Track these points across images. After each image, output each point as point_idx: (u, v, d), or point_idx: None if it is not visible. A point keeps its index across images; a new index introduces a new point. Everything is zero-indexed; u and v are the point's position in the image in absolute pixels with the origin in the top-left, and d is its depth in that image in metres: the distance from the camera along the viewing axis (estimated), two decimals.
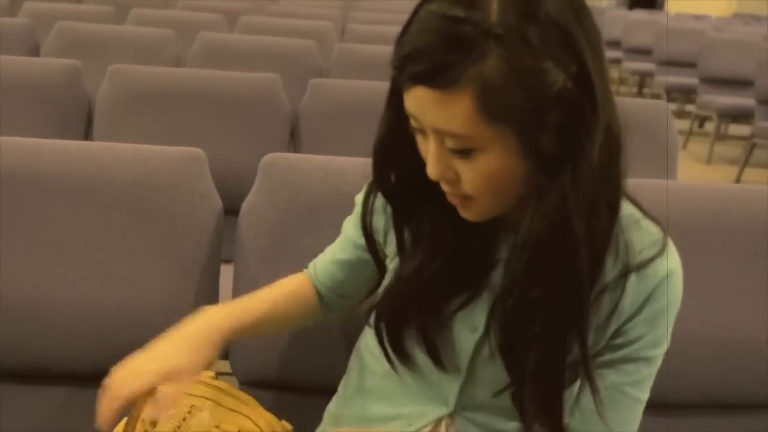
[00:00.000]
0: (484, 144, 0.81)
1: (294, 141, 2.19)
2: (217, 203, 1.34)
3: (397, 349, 1.01)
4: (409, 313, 0.98)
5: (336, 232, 1.18)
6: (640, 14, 8.67)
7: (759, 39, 6.15)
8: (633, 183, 0.93)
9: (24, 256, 1.28)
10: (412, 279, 0.96)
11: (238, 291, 1.32)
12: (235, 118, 2.12)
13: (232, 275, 1.35)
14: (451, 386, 1.00)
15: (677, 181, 1.89)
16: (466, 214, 0.90)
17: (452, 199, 0.89)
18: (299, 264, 1.23)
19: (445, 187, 0.88)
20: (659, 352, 0.94)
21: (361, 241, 1.07)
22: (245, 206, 1.33)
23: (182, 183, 1.32)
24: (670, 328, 0.94)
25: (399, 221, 0.99)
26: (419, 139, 0.88)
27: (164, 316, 1.29)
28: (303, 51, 3.10)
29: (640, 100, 2.26)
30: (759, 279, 1.34)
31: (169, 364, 0.92)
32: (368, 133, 2.23)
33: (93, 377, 1.23)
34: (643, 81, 8.35)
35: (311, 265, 1.17)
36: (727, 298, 1.34)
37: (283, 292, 1.13)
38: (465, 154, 0.82)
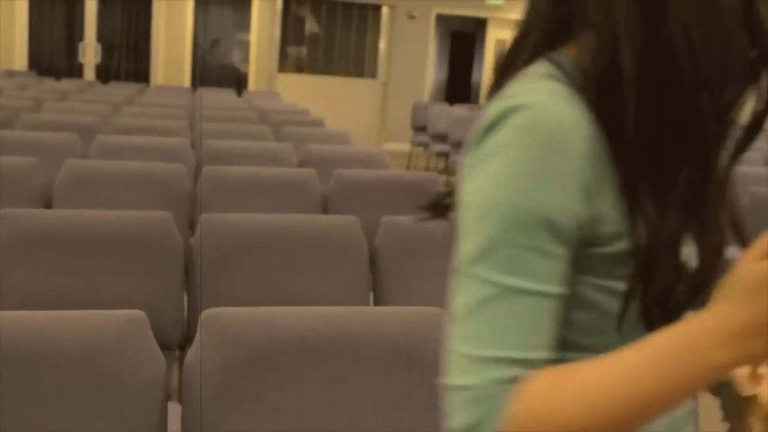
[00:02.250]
0: None
1: (188, 279, 2.28)
2: (161, 361, 1.45)
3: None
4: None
5: (277, 377, 1.34)
6: (461, 110, 9.34)
7: None
8: None
9: None
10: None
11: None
12: (129, 259, 2.21)
13: (180, 413, 1.45)
14: None
15: None
16: None
17: None
18: (246, 408, 1.38)
19: None
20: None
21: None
22: (189, 358, 1.44)
23: (127, 346, 1.42)
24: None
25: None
26: None
27: None
28: (170, 175, 3.21)
29: None
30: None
31: None
32: (261, 268, 2.35)
33: None
34: None
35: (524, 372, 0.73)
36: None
37: None
38: None
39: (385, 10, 12.03)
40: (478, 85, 13.44)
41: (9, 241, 2.16)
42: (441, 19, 12.95)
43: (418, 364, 1.50)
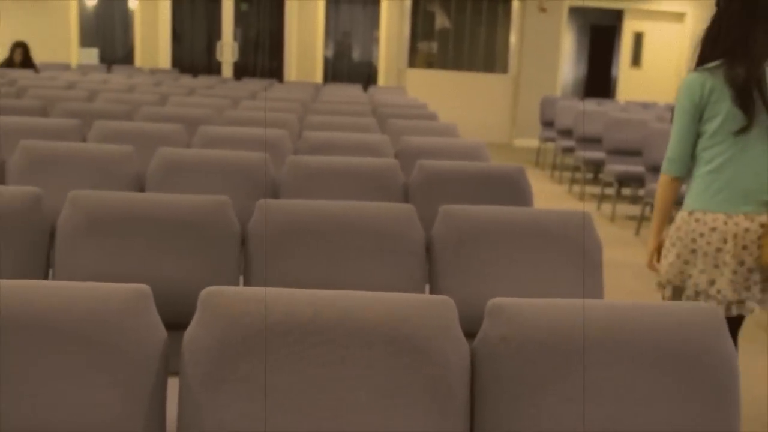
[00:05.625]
0: None
1: (245, 261, 2.33)
2: (162, 334, 1.47)
3: None
4: None
5: (270, 358, 1.33)
6: (589, 105, 9.02)
7: None
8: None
9: None
10: None
11: (183, 412, 1.45)
12: (186, 241, 2.27)
13: (178, 390, 1.47)
14: None
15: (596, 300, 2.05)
16: None
17: None
18: (237, 387, 1.38)
19: None
20: None
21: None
22: (187, 336, 1.46)
23: (130, 318, 1.45)
24: None
25: None
26: None
27: None
28: (256, 164, 3.28)
29: (563, 211, 2.44)
30: (659, 384, 1.49)
31: None
32: (316, 253, 2.36)
33: None
34: (597, 168, 8.66)
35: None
36: (638, 400, 1.48)
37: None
38: None
39: (515, 4, 11.83)
40: (617, 79, 12.95)
41: (77, 221, 2.27)
42: (579, 12, 12.58)
43: (416, 353, 1.45)
